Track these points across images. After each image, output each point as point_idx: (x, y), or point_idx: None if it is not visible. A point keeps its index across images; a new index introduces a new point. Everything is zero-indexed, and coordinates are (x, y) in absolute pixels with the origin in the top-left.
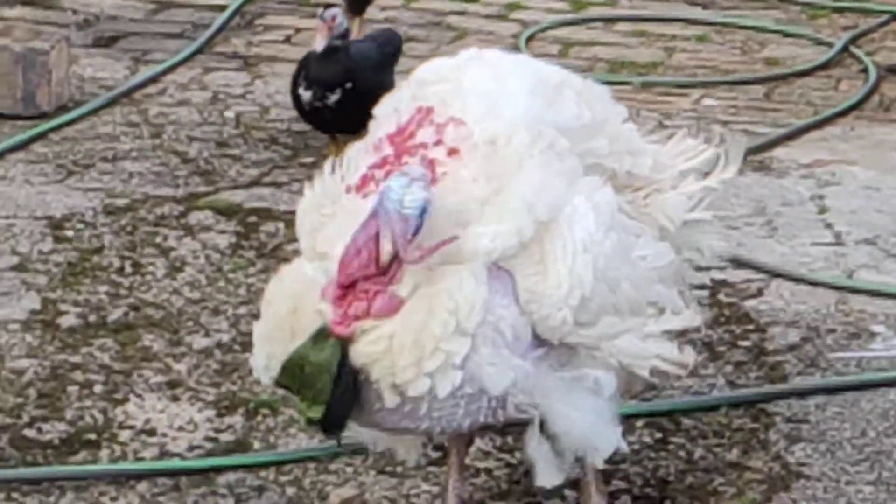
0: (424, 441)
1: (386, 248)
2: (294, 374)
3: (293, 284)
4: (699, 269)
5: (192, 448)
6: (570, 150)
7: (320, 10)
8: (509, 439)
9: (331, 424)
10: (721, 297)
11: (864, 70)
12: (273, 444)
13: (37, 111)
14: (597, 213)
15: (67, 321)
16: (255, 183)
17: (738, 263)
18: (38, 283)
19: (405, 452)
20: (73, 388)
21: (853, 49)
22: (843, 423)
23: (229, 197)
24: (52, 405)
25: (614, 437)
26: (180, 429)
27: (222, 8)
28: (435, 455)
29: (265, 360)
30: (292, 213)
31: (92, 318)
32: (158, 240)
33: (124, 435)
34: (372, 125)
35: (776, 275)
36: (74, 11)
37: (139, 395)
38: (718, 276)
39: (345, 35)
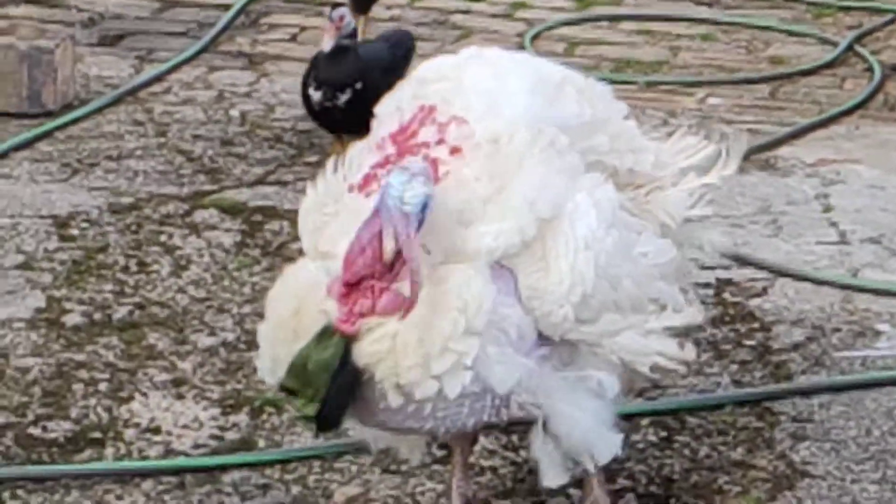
0: (428, 440)
1: (388, 246)
2: (297, 374)
3: (296, 285)
4: (704, 267)
5: (197, 446)
6: (571, 148)
7: (328, 10)
8: (514, 438)
9: (325, 422)
10: (726, 295)
11: (870, 69)
12: (278, 443)
13: (42, 110)
14: (598, 210)
15: (72, 319)
16: (260, 181)
17: (743, 262)
18: (43, 281)
19: (408, 452)
20: (78, 387)
21: (858, 48)
22: (848, 422)
23: (234, 195)
24: (58, 403)
25: (614, 442)
26: (185, 427)
27: (227, 6)
28: (440, 453)
29: (270, 363)
30: (297, 211)
31: (97, 316)
32: (163, 238)
33: (129, 433)
34: (374, 124)
35: (781, 273)
36: (80, 10)
37: (144, 394)
38: (723, 274)
39: (353, 35)
